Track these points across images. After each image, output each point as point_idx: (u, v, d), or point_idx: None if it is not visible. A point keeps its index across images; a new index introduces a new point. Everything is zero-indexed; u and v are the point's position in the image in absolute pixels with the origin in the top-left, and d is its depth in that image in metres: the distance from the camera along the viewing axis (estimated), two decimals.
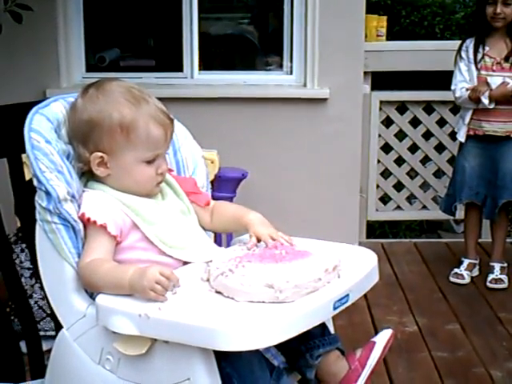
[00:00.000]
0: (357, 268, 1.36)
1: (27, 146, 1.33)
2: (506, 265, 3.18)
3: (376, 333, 1.47)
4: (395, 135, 3.81)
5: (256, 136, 3.46)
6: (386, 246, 3.65)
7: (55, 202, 1.31)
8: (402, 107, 3.78)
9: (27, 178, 1.50)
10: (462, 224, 3.49)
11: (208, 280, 1.28)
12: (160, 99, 1.41)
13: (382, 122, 3.78)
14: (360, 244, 3.45)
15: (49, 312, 2.18)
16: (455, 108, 3.59)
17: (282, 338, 1.17)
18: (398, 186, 3.86)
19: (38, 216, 1.34)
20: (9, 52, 3.28)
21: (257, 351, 1.30)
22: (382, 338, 1.43)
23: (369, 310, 2.89)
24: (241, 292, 1.21)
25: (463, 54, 3.06)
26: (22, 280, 2.30)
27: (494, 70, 3.02)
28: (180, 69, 3.52)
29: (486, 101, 2.96)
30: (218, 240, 1.52)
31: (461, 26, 5.36)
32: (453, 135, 3.53)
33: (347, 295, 1.28)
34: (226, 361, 1.25)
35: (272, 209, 3.57)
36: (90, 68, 3.56)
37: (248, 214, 1.44)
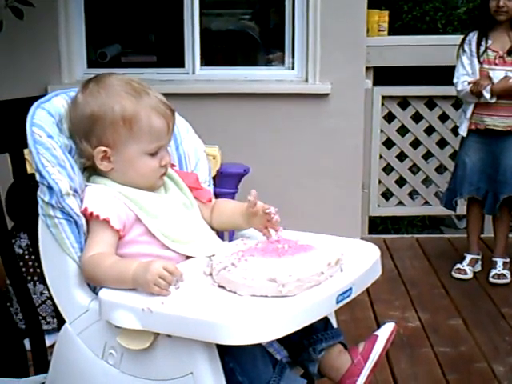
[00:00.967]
0: (359, 262, 1.36)
1: (29, 141, 1.33)
2: (508, 260, 3.17)
3: (378, 328, 1.46)
4: (397, 130, 3.80)
5: (258, 131, 3.46)
6: (388, 241, 3.64)
7: (57, 196, 1.31)
8: (403, 102, 3.78)
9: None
10: (464, 219, 3.48)
11: (211, 274, 1.28)
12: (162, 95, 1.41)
13: (384, 118, 3.77)
14: (362, 240, 3.44)
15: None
16: (457, 103, 3.58)
17: (285, 331, 1.17)
18: (400, 182, 3.86)
19: (40, 211, 1.34)
20: (10, 48, 3.28)
21: (260, 345, 1.30)
22: (385, 332, 1.43)
23: (371, 306, 2.88)
24: (243, 286, 1.21)
25: (466, 48, 3.05)
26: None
27: (496, 64, 3.01)
28: (181, 64, 3.52)
29: (487, 95, 2.95)
30: (220, 234, 1.52)
31: (463, 21, 5.35)
32: (455, 130, 3.52)
33: (350, 289, 1.28)
34: (228, 355, 1.25)
35: (274, 204, 3.57)
36: (91, 64, 3.56)
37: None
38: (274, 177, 3.48)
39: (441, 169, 3.84)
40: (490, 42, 3.02)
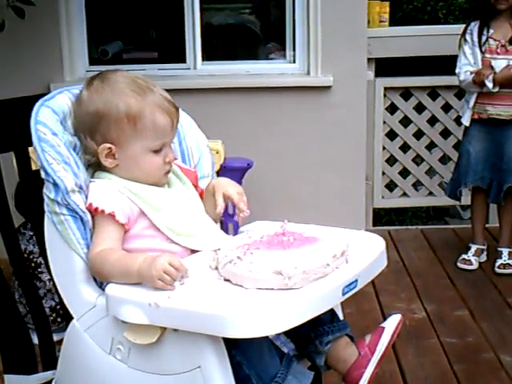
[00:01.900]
0: (365, 253, 1.36)
1: (34, 139, 1.33)
2: None
3: (385, 320, 1.47)
4: (400, 121, 3.79)
5: (260, 125, 3.46)
6: (392, 233, 3.64)
7: (63, 193, 1.32)
8: (406, 93, 3.77)
9: None
10: (469, 210, 3.48)
11: (216, 268, 1.29)
12: None
13: (387, 109, 3.77)
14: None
15: None
16: (460, 93, 3.57)
17: (291, 324, 1.17)
18: (404, 173, 3.85)
19: (46, 208, 1.35)
20: (12, 47, 3.28)
21: (266, 338, 1.31)
22: (391, 323, 1.43)
23: (377, 298, 2.89)
24: (249, 279, 1.21)
25: (467, 37, 3.05)
26: None
27: (498, 53, 3.00)
28: (183, 60, 3.52)
29: (490, 84, 2.95)
30: (224, 227, 1.52)
31: (464, 11, 5.32)
32: (458, 120, 3.51)
33: (356, 280, 1.28)
34: (235, 348, 1.25)
35: (278, 197, 3.60)
36: (93, 61, 3.56)
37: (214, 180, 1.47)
38: (278, 170, 3.48)
39: (444, 159, 3.83)
40: (491, 31, 3.01)
